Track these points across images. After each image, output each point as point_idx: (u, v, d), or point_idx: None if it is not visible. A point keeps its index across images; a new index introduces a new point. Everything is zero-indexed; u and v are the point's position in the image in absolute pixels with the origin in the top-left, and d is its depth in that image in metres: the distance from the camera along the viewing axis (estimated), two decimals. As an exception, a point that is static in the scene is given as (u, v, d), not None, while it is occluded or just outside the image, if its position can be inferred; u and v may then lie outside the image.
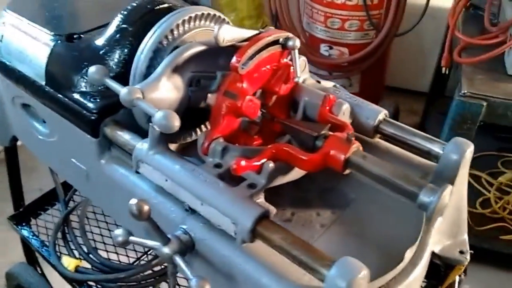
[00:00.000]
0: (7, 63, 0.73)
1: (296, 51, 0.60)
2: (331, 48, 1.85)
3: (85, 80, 0.64)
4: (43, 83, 0.68)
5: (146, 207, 0.49)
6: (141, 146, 0.57)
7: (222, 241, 0.53)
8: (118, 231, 0.56)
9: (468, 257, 0.64)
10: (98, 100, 0.63)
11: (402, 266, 0.52)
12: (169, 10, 0.67)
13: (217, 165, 0.55)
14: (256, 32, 0.57)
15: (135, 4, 0.66)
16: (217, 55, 0.60)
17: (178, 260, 0.52)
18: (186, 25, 0.61)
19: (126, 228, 0.56)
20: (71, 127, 0.66)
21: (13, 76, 0.73)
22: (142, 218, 0.49)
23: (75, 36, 0.67)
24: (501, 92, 1.11)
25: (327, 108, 0.60)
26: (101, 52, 0.65)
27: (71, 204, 1.04)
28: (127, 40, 0.64)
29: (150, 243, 0.55)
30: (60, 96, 0.66)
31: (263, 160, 0.53)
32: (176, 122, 0.48)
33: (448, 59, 1.32)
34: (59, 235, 0.95)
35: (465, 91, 1.10)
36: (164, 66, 0.56)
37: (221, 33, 0.53)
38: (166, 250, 0.52)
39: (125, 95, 0.52)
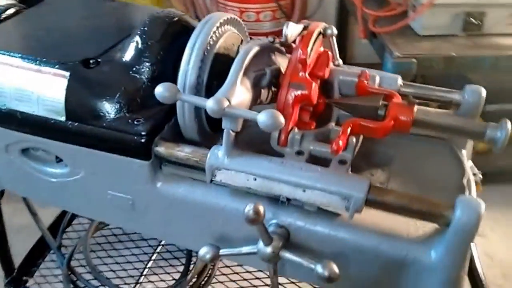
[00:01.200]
0: (2, 107, 0.64)
1: (334, 37, 0.64)
2: (251, 38, 1.94)
3: (120, 105, 0.60)
4: (62, 118, 0.61)
5: (262, 209, 0.49)
6: (215, 153, 0.56)
7: (323, 222, 0.55)
8: (204, 249, 0.55)
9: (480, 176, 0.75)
10: (142, 121, 0.60)
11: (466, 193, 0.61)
12: (185, 21, 0.66)
13: (299, 152, 0.58)
14: (303, 25, 0.61)
15: (152, 19, 0.64)
16: (263, 53, 0.61)
17: (287, 254, 0.53)
18: (218, 32, 0.61)
19: (212, 244, 0.55)
20: (107, 157, 0.61)
21: (11, 120, 0.64)
22: (259, 221, 0.50)
23: (91, 61, 0.62)
24: (422, 49, 1.30)
25: (366, 82, 0.66)
26: (131, 72, 0.61)
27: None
28: (158, 55, 0.62)
29: (247, 249, 0.55)
30: (91, 127, 0.60)
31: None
32: (282, 119, 0.49)
33: (365, 31, 1.48)
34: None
35: (397, 54, 1.27)
36: (236, 70, 0.55)
37: (289, 30, 0.56)
38: (270, 249, 0.53)
39: (215, 106, 0.51)
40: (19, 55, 0.63)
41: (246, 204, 0.57)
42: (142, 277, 0.99)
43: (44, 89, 0.61)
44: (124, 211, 0.66)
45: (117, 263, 1.00)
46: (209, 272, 0.87)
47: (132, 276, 1.00)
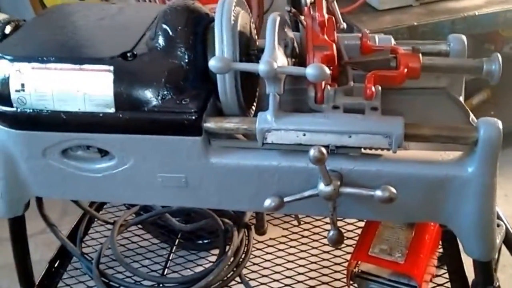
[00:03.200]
0: (43, 110, 0.66)
1: (335, 2, 0.73)
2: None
3: (166, 89, 0.64)
4: (112, 110, 0.65)
5: (324, 149, 0.57)
6: (263, 118, 0.63)
7: (369, 162, 0.63)
8: (269, 200, 0.62)
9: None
10: (189, 101, 0.65)
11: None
12: (199, 7, 0.72)
13: (335, 107, 0.65)
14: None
15: (174, 8, 0.69)
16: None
17: (347, 189, 0.61)
18: (234, 11, 0.67)
19: (276, 194, 0.62)
20: (158, 140, 0.66)
21: (54, 121, 0.67)
22: (324, 160, 0.57)
23: (129, 54, 0.66)
24: (386, 23, 1.43)
25: (368, 42, 0.75)
26: (169, 58, 0.66)
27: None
28: (188, 39, 0.67)
29: (309, 192, 0.63)
30: (141, 114, 0.65)
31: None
32: (327, 69, 0.57)
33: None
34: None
35: (367, 30, 1.38)
36: (272, 36, 0.61)
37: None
38: (331, 187, 0.61)
39: (267, 67, 0.57)
40: (54, 58, 0.66)
41: (297, 159, 0.65)
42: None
43: (90, 85, 0.65)
44: (177, 190, 0.70)
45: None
46: (245, 248, 0.92)
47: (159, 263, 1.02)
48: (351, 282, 0.81)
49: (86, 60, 0.66)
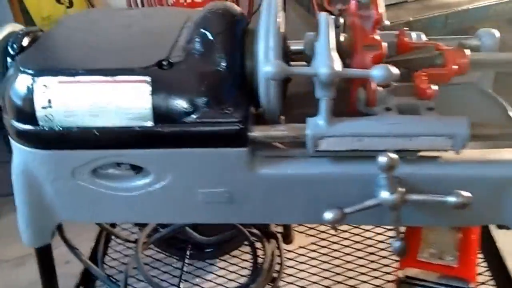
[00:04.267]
0: (72, 127, 0.61)
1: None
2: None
3: (208, 98, 0.60)
4: (150, 123, 0.60)
5: (396, 155, 0.53)
6: (315, 124, 0.59)
7: (429, 165, 0.60)
8: (329, 213, 0.58)
9: None
10: (232, 109, 0.60)
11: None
12: (233, 9, 0.67)
13: (388, 109, 0.62)
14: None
15: (211, 12, 0.64)
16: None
17: (414, 196, 0.57)
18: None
19: (333, 206, 0.58)
20: (200, 153, 0.61)
21: (85, 139, 0.61)
22: (396, 166, 0.53)
23: (164, 63, 0.61)
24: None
25: (405, 39, 0.71)
26: (208, 65, 0.61)
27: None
28: (227, 43, 0.62)
29: (371, 202, 0.59)
30: (182, 126, 0.60)
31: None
32: (395, 69, 0.53)
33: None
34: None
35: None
36: (326, 37, 0.57)
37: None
38: (396, 195, 0.57)
39: (330, 71, 0.53)
40: (84, 70, 0.61)
41: (350, 166, 0.61)
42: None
43: (125, 98, 0.60)
44: (220, 206, 0.65)
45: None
46: (279, 259, 0.88)
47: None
48: (399, 290, 0.77)
49: (119, 71, 0.60)
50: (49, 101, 0.61)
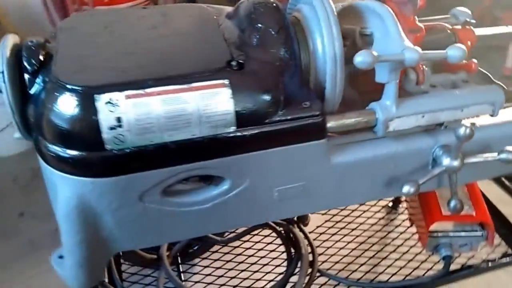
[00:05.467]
0: (147, 145, 0.55)
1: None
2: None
3: (286, 94, 0.59)
4: (232, 128, 0.57)
5: (472, 127, 0.61)
6: (384, 107, 0.63)
7: (479, 129, 0.68)
8: (406, 187, 0.63)
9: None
10: (309, 103, 0.61)
11: None
12: (276, 3, 0.66)
13: (433, 86, 0.69)
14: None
15: (265, 7, 0.62)
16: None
17: (472, 158, 0.66)
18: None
19: (409, 180, 0.64)
20: (279, 152, 0.61)
21: (163, 155, 0.56)
22: (473, 135, 0.60)
23: (233, 63, 0.58)
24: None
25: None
26: (279, 61, 0.60)
27: None
28: (287, 37, 0.62)
29: (437, 170, 0.66)
30: (265, 127, 0.58)
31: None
32: (465, 48, 0.59)
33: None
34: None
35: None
36: (394, 21, 0.61)
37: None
38: (459, 161, 0.65)
39: (415, 55, 0.56)
40: (152, 80, 0.55)
41: (412, 142, 0.67)
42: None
43: (205, 105, 0.56)
44: (293, 200, 0.66)
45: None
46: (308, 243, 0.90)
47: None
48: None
49: (192, 77, 0.56)
50: (119, 120, 0.53)
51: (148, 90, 0.54)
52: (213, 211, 0.62)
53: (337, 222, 1.02)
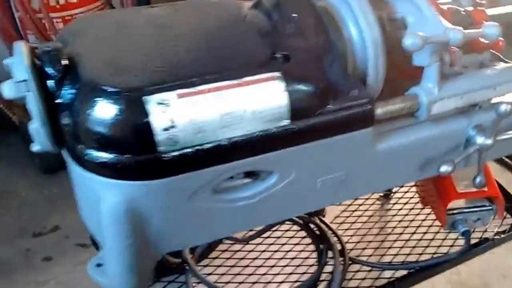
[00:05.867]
0: (201, 144, 0.51)
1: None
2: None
3: (334, 84, 0.57)
4: (286, 122, 0.54)
5: None
6: (427, 91, 0.62)
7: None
8: (445, 166, 0.64)
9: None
10: (357, 91, 0.59)
11: None
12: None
13: (464, 66, 0.69)
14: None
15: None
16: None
17: (503, 136, 0.67)
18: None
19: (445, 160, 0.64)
20: (327, 143, 0.59)
21: (217, 153, 0.53)
22: None
23: (277, 55, 0.55)
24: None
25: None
26: (322, 51, 0.58)
27: None
28: (324, 26, 0.60)
29: (472, 148, 0.67)
30: (318, 118, 0.56)
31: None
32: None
33: None
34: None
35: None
36: (428, 4, 0.60)
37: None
38: (492, 139, 0.66)
39: (461, 34, 0.56)
40: (201, 78, 0.51)
41: (447, 124, 0.67)
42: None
43: (259, 99, 0.53)
44: (334, 189, 0.64)
45: None
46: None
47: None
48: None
49: (243, 72, 0.53)
50: (172, 121, 0.49)
51: (200, 88, 0.51)
52: (259, 205, 0.60)
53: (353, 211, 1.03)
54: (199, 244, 0.82)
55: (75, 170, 0.54)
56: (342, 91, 0.58)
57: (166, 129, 0.50)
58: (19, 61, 0.51)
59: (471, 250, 0.88)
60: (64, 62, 0.52)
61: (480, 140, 0.66)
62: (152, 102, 0.49)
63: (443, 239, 0.95)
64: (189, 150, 0.51)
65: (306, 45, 0.58)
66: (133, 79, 0.51)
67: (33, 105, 0.50)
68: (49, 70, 0.51)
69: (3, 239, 1.31)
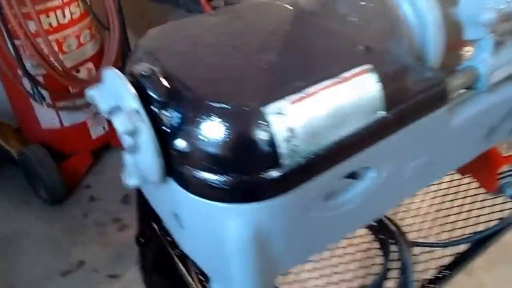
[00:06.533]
0: (318, 150, 0.51)
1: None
2: (78, 71, 1.66)
3: (414, 67, 0.59)
4: (381, 113, 0.55)
5: None
6: (487, 61, 0.65)
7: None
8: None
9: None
10: (432, 71, 0.61)
11: None
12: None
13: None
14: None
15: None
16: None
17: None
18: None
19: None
20: (414, 127, 0.60)
21: (330, 156, 0.52)
22: None
23: (360, 47, 0.56)
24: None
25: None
26: (394, 35, 0.60)
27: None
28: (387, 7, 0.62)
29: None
30: (409, 104, 0.58)
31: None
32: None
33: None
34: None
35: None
36: None
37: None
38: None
39: None
40: (303, 82, 0.51)
41: (503, 91, 0.71)
42: None
43: (359, 94, 0.53)
44: (419, 175, 0.66)
45: None
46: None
47: None
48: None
49: (337, 69, 0.53)
50: (291, 130, 0.49)
51: (308, 91, 0.51)
52: (363, 204, 0.60)
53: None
54: (318, 253, 0.82)
55: (186, 200, 0.52)
56: (418, 74, 0.60)
57: (287, 140, 0.49)
58: (123, 90, 0.48)
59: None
60: (166, 84, 0.50)
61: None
62: (271, 113, 0.48)
63: (492, 205, 0.99)
64: (308, 157, 0.50)
65: (378, 32, 0.60)
66: (242, 92, 0.50)
67: (146, 135, 0.48)
68: (155, 95, 0.50)
69: (32, 285, 1.24)
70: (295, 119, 0.49)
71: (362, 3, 0.63)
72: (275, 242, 0.54)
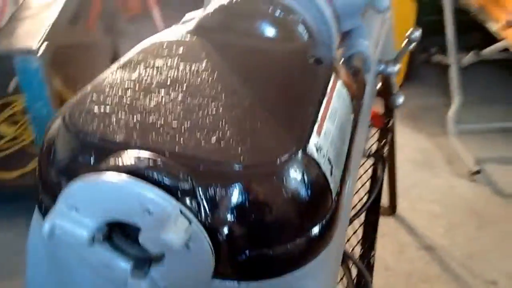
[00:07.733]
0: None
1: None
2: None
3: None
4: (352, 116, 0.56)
5: None
6: (366, 44, 0.73)
7: None
8: None
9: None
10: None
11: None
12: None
13: None
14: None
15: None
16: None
17: None
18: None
19: None
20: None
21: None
22: None
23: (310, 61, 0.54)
24: None
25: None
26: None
27: None
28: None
29: None
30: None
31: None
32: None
33: None
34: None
35: None
36: None
37: None
38: None
39: None
40: (309, 108, 0.46)
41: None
42: None
43: (343, 103, 0.52)
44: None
45: None
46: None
47: None
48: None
49: (321, 84, 0.50)
50: (329, 161, 0.44)
51: (320, 116, 0.46)
52: None
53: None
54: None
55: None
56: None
57: (331, 173, 0.43)
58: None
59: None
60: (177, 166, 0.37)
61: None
62: (314, 151, 0.42)
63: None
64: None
65: (304, 43, 0.59)
66: (275, 138, 0.41)
67: (201, 241, 0.35)
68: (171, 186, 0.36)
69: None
70: (327, 149, 0.45)
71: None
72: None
